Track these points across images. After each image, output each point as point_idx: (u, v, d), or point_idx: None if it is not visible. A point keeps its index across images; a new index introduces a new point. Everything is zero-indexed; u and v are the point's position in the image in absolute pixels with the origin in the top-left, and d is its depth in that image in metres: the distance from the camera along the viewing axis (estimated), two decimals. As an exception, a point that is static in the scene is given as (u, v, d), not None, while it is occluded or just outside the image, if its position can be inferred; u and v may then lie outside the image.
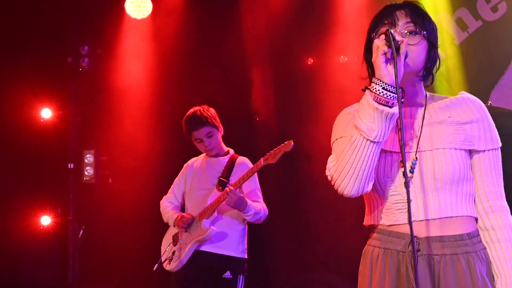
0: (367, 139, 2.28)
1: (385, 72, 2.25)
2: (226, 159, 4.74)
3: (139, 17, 7.16)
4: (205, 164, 4.79)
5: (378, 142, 2.29)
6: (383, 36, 2.28)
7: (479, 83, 6.09)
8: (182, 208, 4.88)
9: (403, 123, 2.38)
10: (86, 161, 7.41)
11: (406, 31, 2.39)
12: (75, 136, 7.52)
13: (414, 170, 2.38)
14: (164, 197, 4.94)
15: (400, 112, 2.24)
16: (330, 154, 2.50)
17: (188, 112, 4.76)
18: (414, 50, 2.37)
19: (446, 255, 2.33)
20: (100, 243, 7.32)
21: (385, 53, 2.25)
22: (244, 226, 4.66)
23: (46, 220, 7.37)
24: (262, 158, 4.42)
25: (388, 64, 2.26)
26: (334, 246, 6.27)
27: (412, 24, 2.40)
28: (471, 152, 2.43)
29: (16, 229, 7.47)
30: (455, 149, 2.38)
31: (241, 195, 4.43)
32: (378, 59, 2.25)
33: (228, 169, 4.68)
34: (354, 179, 2.32)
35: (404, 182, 2.34)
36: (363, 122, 2.28)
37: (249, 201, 4.45)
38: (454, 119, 2.42)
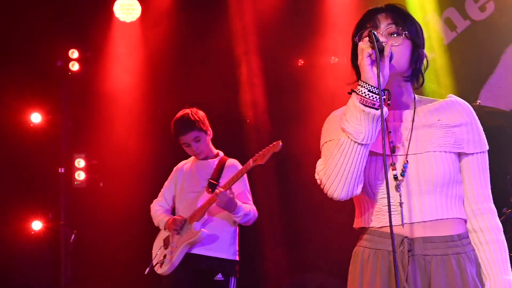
0: (355, 142, 2.29)
1: (371, 74, 2.26)
2: (215, 161, 4.74)
3: (128, 20, 7.15)
4: (195, 167, 4.78)
5: (365, 144, 2.30)
6: (367, 39, 2.30)
7: (468, 82, 6.11)
8: (173, 212, 4.87)
9: (391, 125, 2.41)
10: (76, 165, 7.38)
11: (388, 33, 2.40)
12: (66, 140, 7.50)
13: (405, 173, 2.39)
14: (154, 201, 4.93)
15: (382, 115, 2.25)
16: (320, 156, 2.51)
17: (176, 115, 4.76)
18: (397, 50, 2.38)
19: (437, 256, 2.35)
20: (92, 247, 7.30)
21: (370, 55, 2.26)
22: (235, 228, 4.66)
23: (37, 225, 7.34)
24: (251, 159, 4.42)
25: (373, 66, 2.27)
26: (325, 247, 6.29)
27: (393, 25, 2.41)
28: (460, 155, 2.45)
29: (7, 234, 7.44)
30: (445, 152, 2.39)
31: (231, 196, 4.43)
32: (363, 61, 2.26)
33: (218, 172, 4.68)
34: (343, 182, 2.33)
35: (386, 185, 2.32)
36: (350, 124, 2.29)
37: (239, 203, 4.45)
38: (443, 122, 2.43)
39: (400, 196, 2.37)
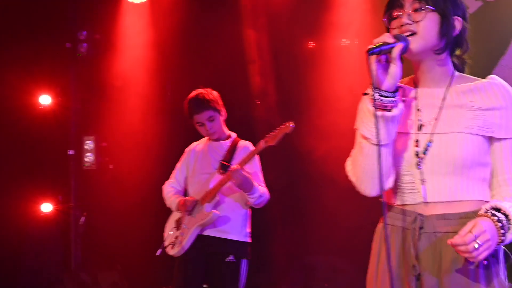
0: (375, 144, 2.32)
1: (380, 79, 2.28)
2: (228, 143, 4.73)
3: (137, 1, 7.12)
4: (207, 148, 4.77)
5: (386, 144, 2.34)
6: (379, 38, 2.30)
7: (479, 63, 6.04)
8: (185, 194, 4.86)
9: (421, 103, 2.43)
10: (86, 147, 7.40)
11: (413, 9, 2.39)
12: (75, 122, 7.50)
13: (428, 152, 2.38)
14: (166, 182, 4.92)
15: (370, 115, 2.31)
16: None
17: (190, 95, 4.74)
18: (421, 26, 2.37)
19: (449, 233, 2.32)
20: (102, 229, 7.32)
21: (379, 60, 2.28)
22: (246, 210, 4.65)
23: (47, 207, 7.37)
24: (262, 140, 4.41)
25: (383, 69, 2.29)
26: (335, 229, 6.26)
27: (417, 2, 2.39)
28: (491, 139, 2.40)
29: (17, 217, 7.46)
30: (472, 134, 2.36)
31: (247, 175, 4.41)
32: (372, 67, 2.27)
33: (230, 153, 4.67)
34: (372, 182, 2.39)
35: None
36: (366, 129, 2.34)
37: (255, 183, 4.44)
38: (475, 104, 2.39)
39: (420, 174, 2.37)
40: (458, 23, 2.45)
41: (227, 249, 4.53)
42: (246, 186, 4.41)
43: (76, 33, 7.39)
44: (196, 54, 6.91)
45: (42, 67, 7.35)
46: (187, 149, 4.90)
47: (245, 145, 4.71)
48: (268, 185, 4.67)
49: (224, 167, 4.60)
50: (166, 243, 4.71)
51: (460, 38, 2.47)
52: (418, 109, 2.44)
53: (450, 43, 2.44)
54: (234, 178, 4.37)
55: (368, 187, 2.42)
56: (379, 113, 2.28)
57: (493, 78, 2.47)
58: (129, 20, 7.23)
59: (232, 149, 4.68)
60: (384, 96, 2.28)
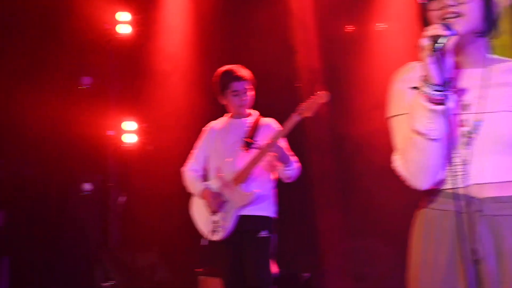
0: (430, 139, 2.26)
1: (433, 73, 2.19)
2: (250, 120, 4.69)
3: (178, -17, 7.11)
4: (228, 126, 4.72)
5: (440, 138, 2.26)
6: (432, 31, 2.19)
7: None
8: (206, 174, 4.81)
9: (463, 84, 2.35)
10: (125, 128, 7.42)
11: None
12: (115, 103, 7.53)
13: (476, 131, 2.31)
14: (186, 164, 4.87)
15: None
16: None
17: (223, 68, 4.71)
18: (467, 7, 2.29)
19: (508, 216, 2.28)
20: (140, 210, 7.36)
21: (433, 54, 2.19)
22: (273, 185, 4.62)
23: (87, 187, 7.42)
24: (294, 114, 4.35)
25: (435, 63, 2.19)
26: (377, 213, 6.20)
27: None
28: None
29: (57, 196, 7.55)
30: None
31: (283, 147, 4.39)
32: (425, 61, 2.20)
33: (253, 130, 4.62)
34: (425, 176, 2.33)
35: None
36: (420, 124, 2.26)
37: (292, 156, 4.43)
38: None
39: (468, 154, 2.30)
40: (497, 6, 2.38)
41: (259, 225, 4.50)
42: (285, 158, 4.39)
43: (114, 13, 7.39)
44: (239, 35, 6.86)
45: (82, 48, 7.40)
46: (206, 128, 4.84)
47: (269, 122, 4.66)
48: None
49: (248, 145, 4.56)
50: (206, 230, 4.64)
51: (497, 21, 2.40)
52: (459, 90, 2.35)
53: (491, 26, 2.37)
54: (274, 151, 4.33)
55: (421, 181, 2.34)
56: (435, 107, 2.21)
57: None
58: (170, 1, 7.21)
59: (255, 126, 4.64)
60: (437, 90, 2.20)
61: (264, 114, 4.78)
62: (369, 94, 6.15)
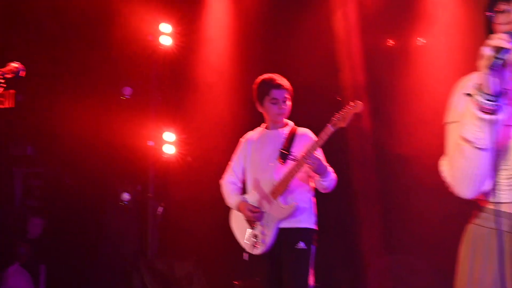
0: (477, 148, 2.23)
1: (489, 82, 2.17)
2: (286, 130, 4.66)
3: (221, -6, 7.16)
4: (265, 137, 4.70)
5: (488, 148, 2.24)
6: (496, 41, 2.17)
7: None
8: (244, 185, 4.80)
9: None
10: (166, 139, 7.46)
11: None
12: (155, 113, 7.59)
13: None
14: (224, 177, 4.86)
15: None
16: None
17: (265, 75, 4.70)
18: None
19: None
20: (179, 220, 7.39)
21: (492, 66, 2.16)
22: (312, 196, 4.59)
23: (126, 197, 7.47)
24: (329, 124, 4.32)
25: (493, 74, 2.16)
26: (417, 229, 6.13)
27: None
28: None
29: (97, 205, 7.62)
30: None
31: (320, 158, 4.35)
32: (483, 70, 2.18)
33: (289, 141, 4.58)
34: (471, 185, 2.30)
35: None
36: (470, 132, 2.24)
37: (328, 167, 4.38)
38: None
39: None
40: None
41: (298, 237, 4.47)
42: (321, 170, 4.35)
43: (158, 25, 7.46)
44: (281, 47, 6.85)
45: (124, 58, 7.47)
46: (242, 139, 4.83)
47: (305, 133, 4.63)
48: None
49: (283, 156, 4.53)
50: (246, 244, 4.62)
51: None
52: None
53: None
54: (310, 163, 4.30)
55: (465, 189, 2.31)
56: (486, 116, 2.18)
57: None
58: (211, 13, 7.25)
59: (291, 136, 4.60)
60: (490, 100, 2.17)
61: (305, 126, 4.75)
62: (412, 109, 6.11)
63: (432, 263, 5.94)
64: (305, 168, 4.40)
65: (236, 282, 6.01)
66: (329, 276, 5.73)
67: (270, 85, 4.63)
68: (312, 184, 4.57)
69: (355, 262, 6.52)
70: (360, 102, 4.26)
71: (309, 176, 4.54)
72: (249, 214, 4.54)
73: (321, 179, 4.40)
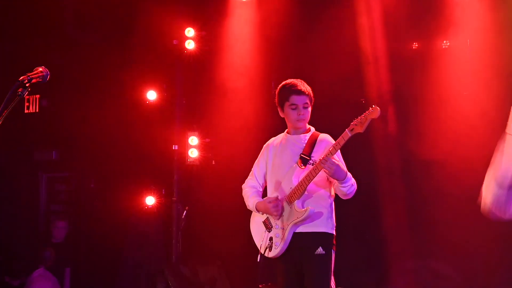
0: None
1: None
2: (307, 136, 4.63)
3: (244, -1, 7.16)
4: (286, 142, 4.68)
5: None
6: None
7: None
8: (265, 191, 4.79)
9: None
10: (190, 143, 7.48)
11: None
12: (180, 117, 7.61)
13: None
14: (246, 181, 4.84)
15: None
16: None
17: (287, 80, 4.68)
18: None
19: None
20: (203, 224, 7.39)
21: None
22: (331, 201, 4.55)
23: (150, 200, 7.51)
24: (347, 129, 4.28)
25: None
26: (447, 235, 6.08)
27: None
28: None
29: (122, 209, 7.65)
30: None
31: (338, 163, 4.31)
32: None
33: (310, 146, 4.55)
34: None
35: None
36: None
37: (348, 173, 4.34)
38: None
39: None
40: None
41: (316, 242, 4.44)
42: (339, 174, 4.29)
43: (183, 29, 7.49)
44: (304, 50, 6.84)
45: (150, 63, 7.51)
46: (265, 145, 4.81)
47: (325, 138, 4.59)
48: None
49: (304, 161, 4.51)
50: (262, 247, 4.62)
51: None
52: None
53: None
54: (326, 168, 4.27)
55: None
56: None
57: None
58: (235, 17, 7.26)
59: (312, 141, 4.57)
60: None
61: (328, 131, 4.73)
62: (438, 113, 6.06)
63: (460, 269, 5.89)
64: (323, 173, 4.38)
65: (261, 286, 6.00)
66: (354, 279, 5.69)
67: (290, 90, 4.60)
68: (332, 191, 4.54)
69: (379, 265, 6.49)
70: (378, 108, 4.21)
71: (329, 181, 4.52)
72: (268, 206, 4.53)
73: (340, 185, 4.36)
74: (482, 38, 5.87)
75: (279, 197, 4.53)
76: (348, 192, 4.39)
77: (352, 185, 4.37)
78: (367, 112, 4.23)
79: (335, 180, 4.36)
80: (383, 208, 5.98)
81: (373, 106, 4.24)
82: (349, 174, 4.35)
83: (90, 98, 7.70)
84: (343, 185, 4.33)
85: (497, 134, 2.42)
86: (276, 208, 4.48)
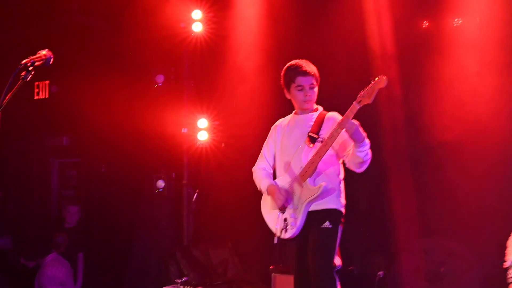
0: None
1: None
2: (314, 115, 4.61)
3: (254, -18, 7.12)
4: (293, 122, 4.67)
5: None
6: None
7: None
8: (274, 171, 4.77)
9: None
10: (199, 125, 7.47)
11: None
12: (188, 100, 7.60)
13: None
14: (256, 163, 4.83)
15: None
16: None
17: (292, 62, 4.65)
18: None
19: None
20: (214, 207, 7.40)
21: None
22: (340, 180, 4.53)
23: (161, 184, 7.51)
24: (355, 102, 4.22)
25: None
26: (457, 213, 6.05)
27: None
28: None
29: (133, 192, 7.67)
30: None
31: (358, 124, 4.25)
32: None
33: (318, 125, 4.53)
34: None
35: None
36: None
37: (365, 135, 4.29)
38: None
39: None
40: None
41: (324, 217, 4.42)
42: (359, 135, 4.23)
43: (190, 12, 7.46)
44: (312, 32, 6.79)
45: (158, 46, 7.49)
46: (273, 126, 4.80)
47: (333, 116, 4.55)
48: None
49: (312, 139, 4.48)
50: (278, 228, 4.60)
51: None
52: None
53: None
54: (347, 128, 4.22)
55: None
56: None
57: None
58: (245, 1, 7.22)
59: (320, 120, 4.54)
60: None
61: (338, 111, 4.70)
62: (449, 94, 6.00)
63: (471, 247, 5.87)
64: (332, 151, 4.35)
65: (272, 267, 6.01)
66: (365, 260, 5.68)
67: (296, 72, 4.58)
68: (342, 170, 4.51)
69: (390, 246, 6.47)
70: (384, 77, 4.15)
71: (338, 157, 4.49)
72: (279, 196, 4.52)
73: (357, 149, 4.31)
74: (491, 18, 5.80)
75: (289, 178, 4.52)
76: (365, 159, 4.31)
77: (368, 153, 4.33)
78: (373, 82, 4.17)
79: (351, 148, 4.32)
80: (393, 189, 5.95)
81: (380, 75, 4.18)
82: (366, 140, 4.30)
83: (99, 84, 7.69)
84: (360, 149, 4.26)
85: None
86: (281, 200, 4.48)
